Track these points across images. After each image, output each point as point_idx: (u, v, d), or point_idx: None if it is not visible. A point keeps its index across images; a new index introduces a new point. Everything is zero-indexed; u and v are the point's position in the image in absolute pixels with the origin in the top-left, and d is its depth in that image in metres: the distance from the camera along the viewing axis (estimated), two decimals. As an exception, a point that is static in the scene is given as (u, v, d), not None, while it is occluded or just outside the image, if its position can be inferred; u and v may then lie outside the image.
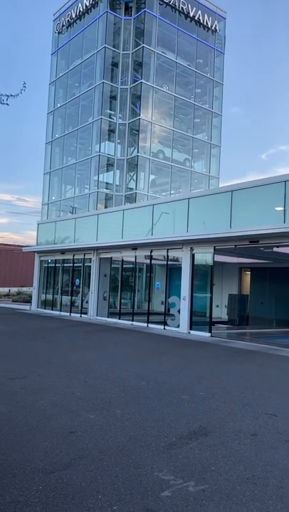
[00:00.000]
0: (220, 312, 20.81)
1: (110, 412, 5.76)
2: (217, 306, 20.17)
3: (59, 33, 37.86)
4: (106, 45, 32.10)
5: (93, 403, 6.17)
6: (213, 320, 16.21)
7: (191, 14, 34.08)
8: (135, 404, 6.20)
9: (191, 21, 34.38)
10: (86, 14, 34.68)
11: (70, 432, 4.92)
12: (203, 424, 5.36)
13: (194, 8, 34.22)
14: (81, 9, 34.89)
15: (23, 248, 30.16)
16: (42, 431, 4.96)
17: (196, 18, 34.39)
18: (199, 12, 34.55)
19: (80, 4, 35.03)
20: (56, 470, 3.91)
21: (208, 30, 35.52)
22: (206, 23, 35.14)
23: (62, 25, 37.21)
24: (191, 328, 15.98)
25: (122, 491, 3.56)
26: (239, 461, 4.28)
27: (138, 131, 31.86)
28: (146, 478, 3.79)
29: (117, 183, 32.75)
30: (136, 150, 31.83)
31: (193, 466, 4.11)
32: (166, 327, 16.97)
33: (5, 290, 45.44)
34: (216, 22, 35.80)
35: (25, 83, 6.96)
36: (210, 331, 15.35)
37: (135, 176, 32.17)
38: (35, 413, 5.62)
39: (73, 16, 35.86)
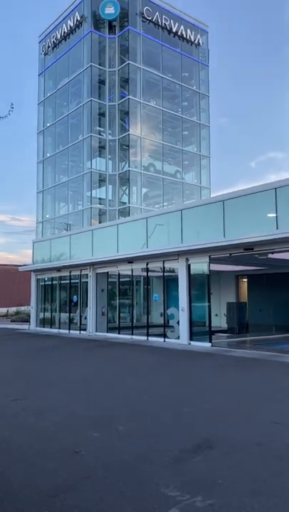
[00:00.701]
0: (219, 321, 20.77)
1: (113, 428, 5.71)
2: (216, 315, 20.14)
3: (45, 54, 38.35)
4: (92, 64, 32.52)
5: (96, 421, 6.11)
6: (212, 329, 16.17)
7: (174, 29, 34.67)
8: (138, 419, 6.15)
9: (174, 36, 34.96)
10: (71, 34, 35.20)
11: (73, 452, 4.87)
12: (207, 436, 5.32)
13: (177, 24, 34.83)
14: (66, 30, 35.42)
15: (19, 267, 30.07)
16: (45, 452, 4.90)
17: (178, 33, 34.99)
18: (182, 27, 35.16)
19: (64, 25, 35.57)
20: (61, 492, 3.86)
21: (191, 44, 36.11)
22: (189, 38, 35.74)
23: (48, 47, 37.72)
24: (191, 339, 15.92)
25: (129, 510, 3.51)
26: (245, 472, 4.24)
27: (128, 146, 32.13)
28: (152, 496, 3.75)
29: (110, 198, 32.89)
30: (127, 165, 32.06)
31: (199, 480, 4.07)
32: (166, 339, 16.90)
33: (3, 310, 45.20)
34: (198, 36, 36.41)
35: (12, 104, 7.05)
36: (210, 341, 15.31)
37: (127, 190, 32.35)
38: (37, 434, 5.56)
39: (58, 36, 36.38)
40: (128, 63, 32.20)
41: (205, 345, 15.21)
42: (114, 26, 33.34)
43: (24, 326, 26.78)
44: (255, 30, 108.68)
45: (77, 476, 4.20)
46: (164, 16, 34.10)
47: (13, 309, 44.19)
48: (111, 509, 3.53)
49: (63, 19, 35.93)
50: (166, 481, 4.03)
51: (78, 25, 34.18)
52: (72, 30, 34.92)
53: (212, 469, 4.31)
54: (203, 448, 4.91)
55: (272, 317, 19.85)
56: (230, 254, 15.04)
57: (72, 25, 34.65)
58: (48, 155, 37.39)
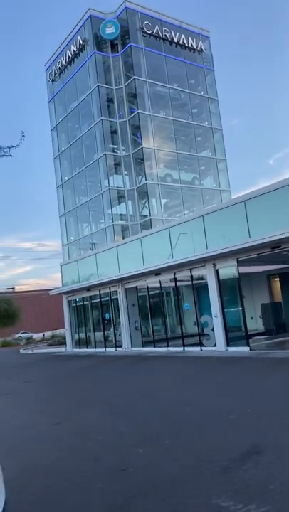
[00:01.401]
0: (255, 324, 20.36)
1: (159, 443, 5.63)
2: (251, 318, 19.75)
3: (52, 80, 39.34)
4: (99, 84, 33.13)
5: (140, 437, 6.04)
6: (249, 333, 15.86)
7: (176, 39, 35.01)
8: (183, 431, 6.04)
9: (176, 46, 35.29)
10: (75, 58, 36.03)
11: (121, 470, 4.81)
12: (255, 442, 5.17)
13: (178, 34, 35.17)
14: (70, 55, 36.29)
15: (50, 291, 30.51)
16: (93, 473, 4.86)
17: (180, 42, 35.31)
18: (183, 36, 35.47)
19: (68, 51, 36.47)
20: (112, 512, 3.81)
21: (194, 52, 36.34)
22: (192, 45, 36.00)
23: (55, 73, 38.69)
24: (228, 345, 15.66)
25: (182, 525, 3.42)
26: (299, 476, 4.08)
27: (143, 159, 32.38)
28: (205, 508, 3.65)
29: (131, 213, 33.10)
30: (144, 178, 32.27)
31: (251, 487, 3.94)
32: (202, 348, 16.69)
33: (39, 335, 45.84)
34: (200, 42, 36.64)
35: (23, 132, 7.22)
36: (248, 345, 15.01)
37: (147, 203, 32.49)
38: (83, 456, 5.53)
39: (63, 62, 37.30)
40: (134, 79, 32.64)
41: (243, 349, 14.92)
42: (117, 44, 33.97)
43: (61, 349, 27.01)
44: (256, 25, 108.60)
45: (127, 495, 4.13)
46: (164, 28, 34.51)
47: (48, 333, 44.77)
48: (164, 525, 3.45)
49: (66, 45, 36.85)
50: (217, 492, 3.92)
51: (81, 48, 34.97)
52: (76, 54, 35.75)
53: (262, 476, 4.17)
54: (252, 454, 4.76)
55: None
56: (258, 254, 14.80)
57: (75, 49, 35.48)
58: (65, 178, 38.05)
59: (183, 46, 35.60)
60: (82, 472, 4.93)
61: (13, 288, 67.25)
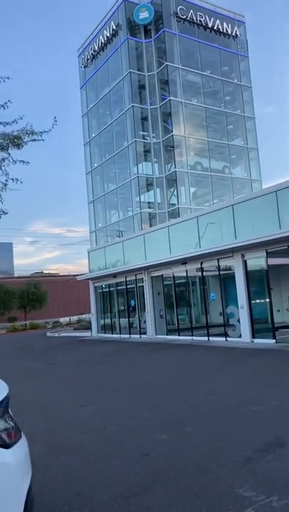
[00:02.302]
0: (282, 317, 20.06)
1: (181, 430, 5.67)
2: (278, 310, 19.46)
3: (85, 66, 39.31)
4: (131, 70, 32.89)
5: (163, 423, 6.10)
6: (276, 325, 15.65)
7: (210, 25, 34.30)
8: (205, 420, 6.06)
9: (210, 31, 34.58)
10: (108, 44, 35.83)
11: (143, 455, 4.88)
12: (278, 434, 5.14)
13: (212, 19, 34.43)
14: (103, 41, 36.11)
15: (77, 277, 30.91)
16: (116, 456, 4.95)
17: (215, 27, 34.57)
18: (217, 21, 34.70)
19: (101, 36, 36.29)
20: (134, 495, 3.87)
21: (229, 37, 35.54)
22: (226, 31, 35.21)
23: (87, 59, 38.62)
24: (253, 337, 15.53)
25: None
26: None
27: (173, 147, 32.10)
28: (226, 497, 3.67)
29: (159, 201, 32.99)
30: (173, 166, 32.03)
31: (273, 479, 3.92)
32: (227, 338, 16.61)
33: (66, 319, 46.66)
34: (235, 28, 35.78)
35: (55, 118, 7.26)
36: (274, 337, 14.84)
37: (176, 191, 32.28)
38: (107, 439, 5.63)
39: (96, 48, 37.16)
40: (166, 65, 32.24)
41: (269, 341, 14.77)
42: (150, 30, 33.56)
43: (86, 334, 27.42)
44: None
45: (149, 479, 4.19)
46: (198, 13, 33.84)
47: (75, 318, 45.52)
48: (185, 510, 3.49)
49: (99, 30, 36.67)
50: (239, 481, 3.93)
51: (114, 34, 34.73)
52: (109, 40, 35.54)
53: (286, 468, 4.14)
54: (275, 446, 4.74)
55: None
56: (288, 246, 14.52)
57: (108, 35, 35.26)
58: (95, 165, 38.18)
59: (217, 32, 34.85)
60: (105, 455, 5.02)
61: (41, 272, 68.53)
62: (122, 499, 3.80)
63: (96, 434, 5.91)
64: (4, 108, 7.35)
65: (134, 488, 4.01)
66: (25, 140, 7.13)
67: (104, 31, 35.72)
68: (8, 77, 7.47)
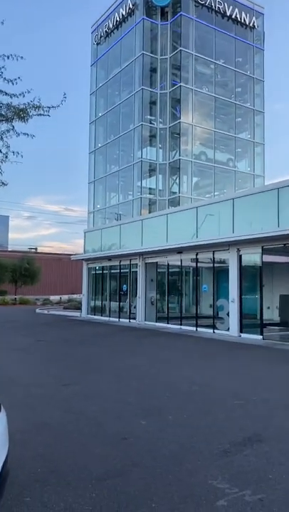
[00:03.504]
0: (271, 314, 20.20)
1: (162, 417, 5.71)
2: (268, 307, 19.58)
3: (97, 44, 38.61)
4: (144, 52, 32.36)
5: (145, 409, 6.14)
6: (264, 322, 15.76)
7: (228, 13, 33.70)
8: (187, 409, 6.10)
9: (228, 20, 34.00)
10: (123, 23, 35.16)
11: (122, 439, 4.91)
12: (258, 430, 5.19)
13: (231, 7, 33.82)
14: (118, 19, 35.41)
15: (71, 256, 30.84)
16: (94, 437, 4.98)
17: (232, 16, 33.98)
18: (236, 10, 34.10)
19: (116, 14, 35.57)
20: (109, 477, 3.90)
21: (246, 28, 34.97)
22: (244, 21, 34.62)
23: (101, 36, 37.92)
24: (241, 331, 15.62)
25: (176, 500, 3.49)
26: (298, 469, 4.08)
27: (179, 134, 31.80)
28: (200, 487, 3.70)
29: (160, 188, 32.81)
30: (178, 153, 31.78)
31: (248, 474, 3.96)
32: (215, 330, 16.71)
33: (56, 298, 46.70)
34: (253, 18, 35.19)
35: (65, 94, 7.14)
36: (261, 334, 14.94)
37: (178, 179, 32.09)
38: (87, 420, 5.66)
39: (110, 26, 36.46)
40: (180, 50, 31.75)
41: (256, 337, 14.87)
42: (167, 12, 32.94)
43: (76, 314, 27.48)
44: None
45: (125, 463, 4.22)
46: (217, 0, 33.20)
47: (65, 297, 45.57)
48: (158, 497, 3.52)
49: (115, 8, 35.94)
50: (214, 473, 3.96)
51: (130, 13, 34.06)
52: (124, 19, 34.86)
53: (262, 464, 4.19)
54: (254, 441, 4.78)
55: None
56: (284, 244, 14.53)
57: (124, 13, 34.58)
58: (99, 145, 37.81)
59: (235, 21, 34.26)
60: (84, 435, 5.05)
61: (35, 248, 68.29)
62: (97, 480, 3.83)
63: (77, 414, 5.94)
64: (13, 84, 7.22)
65: (110, 471, 4.04)
66: (30, 114, 7.03)
67: (121, 9, 35.00)
68: (21, 57, 7.33)
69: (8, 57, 7.06)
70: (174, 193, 32.18)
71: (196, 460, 4.28)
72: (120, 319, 22.73)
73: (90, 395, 7.01)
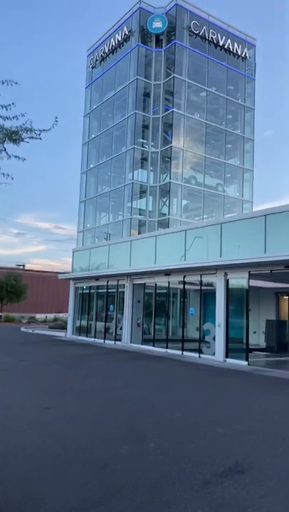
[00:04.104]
0: (257, 339, 20.24)
1: (144, 444, 5.63)
2: (254, 332, 19.62)
3: (93, 67, 39.36)
4: (138, 77, 33.04)
5: (127, 435, 6.06)
6: (250, 347, 15.76)
7: (221, 43, 34.72)
8: (169, 436, 6.04)
9: (221, 50, 34.99)
10: (118, 48, 35.97)
11: (102, 466, 4.83)
12: (239, 460, 5.14)
13: (224, 37, 34.86)
14: (114, 44, 36.23)
15: (59, 275, 30.69)
16: (74, 464, 4.89)
17: (225, 46, 34.99)
18: (229, 41, 35.15)
19: (112, 39, 36.41)
20: (87, 507, 3.83)
21: (238, 58, 36.00)
22: (236, 51, 35.66)
23: (96, 60, 38.70)
24: (227, 356, 15.59)
25: (154, 532, 3.42)
26: (278, 502, 4.05)
27: (170, 158, 32.27)
28: (179, 519, 3.64)
29: (150, 209, 33.05)
30: (168, 177, 32.18)
31: (228, 506, 3.92)
32: (201, 355, 16.64)
33: (42, 316, 46.20)
34: (245, 49, 36.28)
35: (56, 118, 7.24)
36: (247, 359, 14.92)
37: (168, 201, 32.40)
38: (67, 444, 5.57)
39: (106, 50, 37.27)
40: (174, 76, 32.49)
41: (241, 363, 14.83)
42: (161, 40, 33.80)
43: (61, 334, 27.18)
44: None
45: (105, 492, 4.15)
46: (211, 30, 34.24)
47: (51, 316, 45.09)
48: (136, 530, 3.45)
49: (112, 33, 36.79)
50: (194, 505, 3.91)
51: (126, 39, 34.88)
52: (120, 44, 35.67)
53: (242, 496, 4.14)
54: (234, 472, 4.74)
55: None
56: (271, 270, 14.68)
57: (120, 39, 35.41)
58: (91, 166, 38.13)
59: (227, 51, 35.28)
60: (64, 461, 4.96)
61: (23, 265, 67.82)
62: (75, 510, 3.75)
63: (58, 438, 5.84)
64: (7, 109, 7.31)
65: (88, 500, 3.96)
66: (23, 137, 7.10)
67: (117, 35, 35.85)
68: (16, 82, 7.44)
69: (2, 83, 7.16)
70: (164, 214, 32.43)
71: (176, 491, 4.22)
72: (106, 340, 22.53)
73: (71, 418, 6.91)
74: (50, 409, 7.51)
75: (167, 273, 18.81)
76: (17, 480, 4.37)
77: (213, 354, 16.01)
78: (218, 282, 16.29)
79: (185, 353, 17.39)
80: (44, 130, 7.24)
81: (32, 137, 7.19)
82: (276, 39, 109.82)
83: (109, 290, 23.30)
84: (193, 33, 33.44)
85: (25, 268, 65.15)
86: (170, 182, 31.84)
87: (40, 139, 7.22)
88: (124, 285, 21.65)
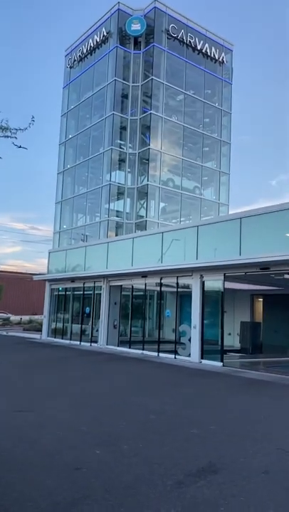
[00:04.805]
0: (232, 340, 20.45)
1: (117, 447, 5.58)
2: (229, 334, 19.83)
3: (70, 67, 39.13)
4: (116, 78, 33.02)
5: (100, 438, 6.00)
6: (225, 348, 15.90)
7: (199, 47, 35.04)
8: (143, 439, 6.01)
9: (198, 54, 35.32)
10: (97, 49, 35.88)
11: (74, 469, 4.76)
12: (212, 460, 5.16)
13: (202, 42, 35.21)
14: (92, 45, 36.12)
15: (34, 276, 30.28)
16: (46, 467, 4.80)
17: (203, 50, 35.34)
18: (206, 45, 35.52)
19: (91, 40, 36.30)
20: (59, 511, 3.76)
21: (215, 62, 36.41)
22: (214, 55, 36.06)
23: (74, 60, 38.49)
24: (202, 357, 15.67)
25: (126, 535, 3.38)
26: (250, 502, 4.07)
27: (148, 160, 32.34)
28: (151, 521, 3.62)
29: (128, 211, 33.03)
30: (146, 179, 32.22)
31: (201, 506, 3.91)
32: (177, 356, 16.69)
33: (16, 318, 45.46)
34: (223, 54, 36.73)
35: (33, 117, 7.11)
36: (222, 360, 15.04)
37: (145, 204, 32.44)
38: (39, 448, 5.47)
39: (84, 51, 37.12)
40: (152, 79, 32.60)
41: (216, 364, 14.94)
42: (140, 42, 33.89)
43: (36, 336, 26.82)
44: (279, 48, 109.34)
45: (77, 495, 4.09)
46: (189, 34, 34.52)
47: (26, 318, 44.43)
48: (108, 533, 3.41)
49: (90, 34, 36.68)
50: (167, 506, 3.89)
51: (104, 40, 34.83)
52: (98, 45, 35.59)
53: (215, 496, 4.15)
54: (208, 472, 4.75)
55: (288, 339, 19.46)
56: (245, 272, 14.85)
57: (98, 40, 35.33)
58: (68, 166, 37.87)
59: (205, 55, 35.64)
60: (35, 465, 4.87)
61: (-2, 266, 66.61)
62: (45, 515, 3.68)
63: (29, 442, 5.73)
64: None
65: (60, 504, 3.89)
66: (-2, 135, 6.95)
67: (95, 36, 35.76)
68: None
69: None
70: (141, 216, 32.45)
71: (149, 492, 4.19)
72: (82, 342, 22.35)
73: (43, 422, 6.79)
74: (22, 412, 7.37)
75: (144, 275, 18.80)
76: (-14, 485, 4.26)
77: (189, 355, 16.08)
78: (194, 284, 16.38)
79: (161, 354, 17.41)
80: (20, 129, 7.10)
81: (7, 136, 7.04)
82: (253, 44, 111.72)
83: (85, 292, 23.13)
84: (172, 36, 33.66)
85: (0, 269, 64.10)
86: (148, 184, 31.91)
87: (16, 138, 7.07)
88: (100, 287, 21.53)
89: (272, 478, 4.69)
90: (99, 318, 21.37)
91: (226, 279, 15.38)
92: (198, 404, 8.70)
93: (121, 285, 20.85)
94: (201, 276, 16.09)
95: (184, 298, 17.54)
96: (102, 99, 34.73)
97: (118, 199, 33.55)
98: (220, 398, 9.49)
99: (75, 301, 24.57)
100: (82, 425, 6.65)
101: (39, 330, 28.53)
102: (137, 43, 34.08)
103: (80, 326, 23.28)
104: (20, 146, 7.21)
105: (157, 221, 32.09)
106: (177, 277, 17.35)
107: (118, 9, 33.65)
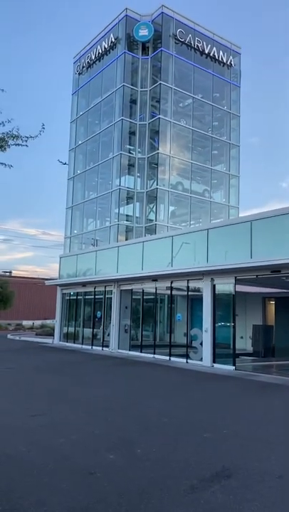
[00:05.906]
0: (244, 344, 20.33)
1: (131, 451, 5.60)
2: (241, 337, 19.73)
3: (79, 74, 39.44)
4: (124, 84, 33.19)
5: (113, 442, 6.02)
6: (237, 352, 15.82)
7: (206, 51, 35.09)
8: (156, 442, 6.02)
9: (206, 57, 35.35)
10: (105, 55, 36.12)
11: (89, 473, 4.79)
12: (226, 464, 5.15)
13: (209, 45, 35.25)
14: (100, 51, 36.38)
15: (45, 281, 30.48)
16: (60, 472, 4.84)
17: (211, 54, 35.38)
18: (214, 49, 35.55)
19: (99, 46, 36.57)
20: (73, 515, 3.79)
21: (223, 65, 36.41)
22: (221, 59, 36.08)
23: (83, 67, 38.79)
24: (214, 361, 15.62)
25: (141, 539, 3.40)
26: (264, 506, 4.06)
27: (157, 164, 32.40)
28: (166, 525, 3.63)
29: (137, 215, 33.09)
30: (155, 183, 32.28)
31: (215, 511, 3.91)
32: (188, 360, 16.65)
33: (29, 323, 45.77)
34: (230, 57, 36.72)
35: (43, 125, 7.23)
36: (234, 364, 14.97)
37: (155, 207, 32.49)
38: (53, 452, 5.51)
39: (93, 57, 37.40)
40: (160, 83, 32.70)
41: (228, 368, 14.88)
42: (148, 47, 34.03)
43: (48, 340, 26.96)
44: (288, 49, 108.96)
45: (91, 500, 4.12)
46: (196, 38, 34.60)
47: (38, 322, 44.71)
48: (123, 537, 3.43)
49: (98, 40, 36.94)
50: (181, 511, 3.90)
51: (112, 46, 35.05)
52: (106, 51, 35.82)
53: (229, 501, 4.14)
54: (221, 477, 4.74)
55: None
56: (256, 275, 14.79)
57: (106, 46, 35.57)
58: (78, 172, 38.09)
59: (213, 58, 35.67)
60: (49, 469, 4.91)
61: (10, 272, 67.18)
62: (61, 519, 3.71)
63: (43, 446, 5.78)
64: None
65: (74, 508, 3.92)
66: (9, 143, 7.06)
67: (103, 42, 36.02)
68: (2, 90, 7.43)
69: None
70: (151, 220, 32.49)
71: (163, 497, 4.20)
72: (93, 347, 22.41)
73: (57, 426, 6.84)
74: (36, 416, 7.43)
75: (154, 279, 18.82)
76: (1, 488, 4.31)
77: (201, 359, 16.03)
78: (205, 288, 16.35)
79: (172, 358, 17.38)
80: (31, 137, 7.22)
81: (18, 144, 7.16)
82: (261, 47, 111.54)
83: (96, 296, 23.22)
84: (179, 40, 33.76)
85: (12, 275, 64.58)
86: (157, 188, 31.95)
87: (27, 146, 7.19)
88: (111, 291, 21.60)
89: (287, 482, 4.67)
90: (110, 322, 21.43)
91: (238, 282, 15.33)
92: (211, 408, 8.68)
93: (131, 289, 20.89)
94: (212, 280, 16.06)
95: (194, 301, 17.51)
96: (110, 105, 34.92)
97: (128, 203, 33.63)
98: (232, 402, 9.45)
99: (86, 305, 24.67)
100: (96, 429, 6.68)
101: (51, 334, 28.69)
102: (144, 49, 34.24)
103: (91, 330, 23.36)
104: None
105: (167, 225, 32.09)
106: (188, 281, 17.34)
107: (126, 15, 33.87)
